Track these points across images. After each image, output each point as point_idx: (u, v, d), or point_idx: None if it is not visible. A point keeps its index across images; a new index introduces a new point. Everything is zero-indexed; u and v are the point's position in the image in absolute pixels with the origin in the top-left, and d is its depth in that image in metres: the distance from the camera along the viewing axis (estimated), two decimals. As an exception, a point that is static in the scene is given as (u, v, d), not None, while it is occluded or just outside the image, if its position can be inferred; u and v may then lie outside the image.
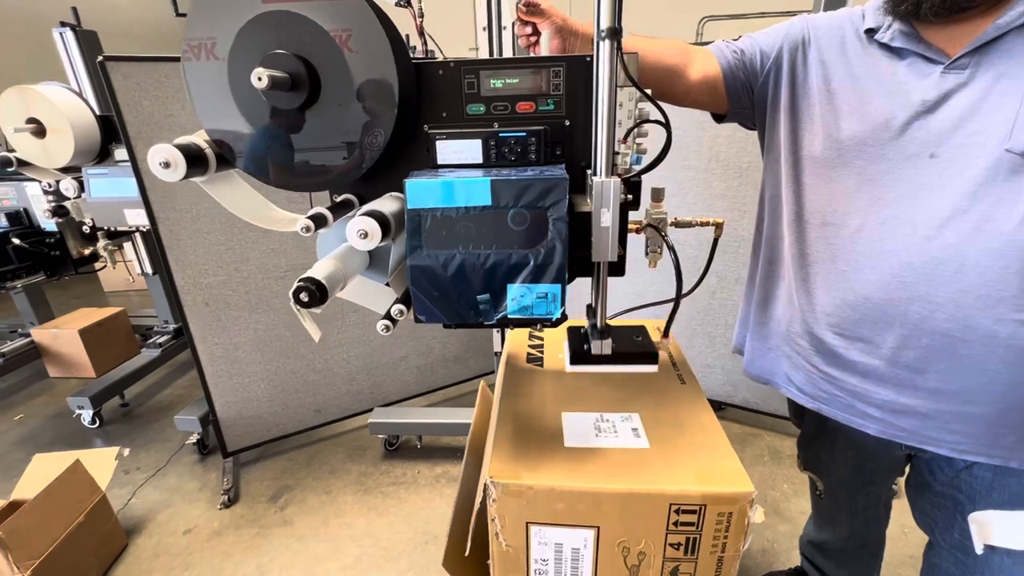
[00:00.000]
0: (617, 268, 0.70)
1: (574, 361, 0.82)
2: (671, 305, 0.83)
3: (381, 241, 0.59)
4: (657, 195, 0.76)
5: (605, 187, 0.57)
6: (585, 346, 0.80)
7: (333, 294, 0.59)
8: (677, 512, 0.65)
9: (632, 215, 0.80)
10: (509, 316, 0.60)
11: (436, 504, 1.55)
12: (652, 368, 0.79)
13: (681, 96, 0.85)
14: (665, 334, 0.80)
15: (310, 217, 0.59)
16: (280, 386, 1.72)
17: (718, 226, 0.80)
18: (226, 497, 1.57)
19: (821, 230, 0.77)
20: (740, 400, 1.82)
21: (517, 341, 1.05)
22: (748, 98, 0.84)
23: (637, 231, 0.75)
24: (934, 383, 0.68)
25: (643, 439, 0.73)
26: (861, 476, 0.93)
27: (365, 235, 0.57)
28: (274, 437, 1.77)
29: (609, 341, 0.69)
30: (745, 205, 1.60)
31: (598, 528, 0.67)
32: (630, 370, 0.88)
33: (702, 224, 0.79)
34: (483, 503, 0.68)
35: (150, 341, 2.30)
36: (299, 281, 0.56)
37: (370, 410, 1.80)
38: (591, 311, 0.73)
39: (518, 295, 0.59)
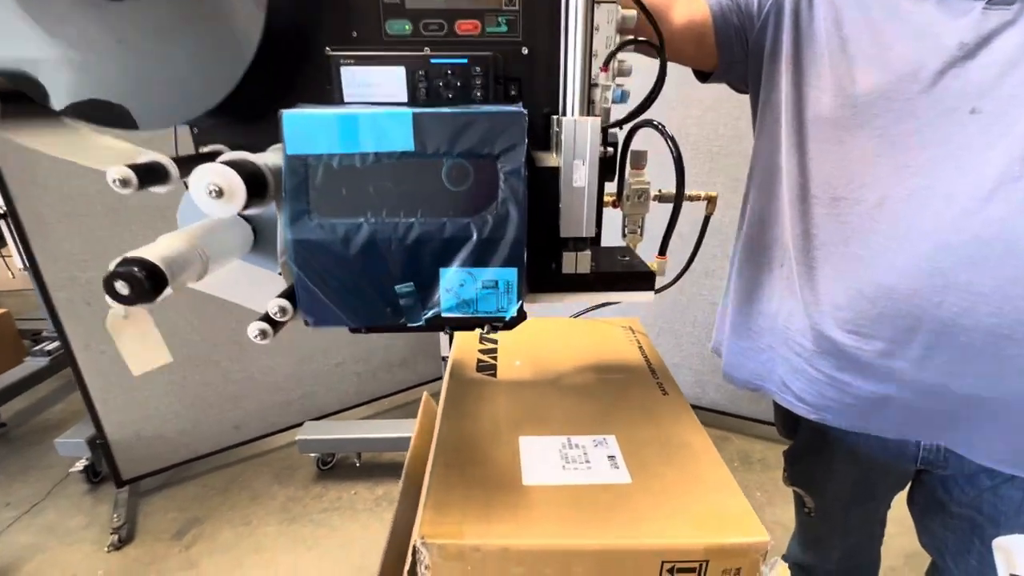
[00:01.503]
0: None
1: (536, 287, 0.49)
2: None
3: (251, 205, 0.39)
4: (638, 160, 0.60)
5: (579, 130, 0.40)
6: (554, 264, 0.49)
7: (177, 284, 0.39)
8: (671, 571, 0.49)
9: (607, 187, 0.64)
10: (443, 315, 0.42)
11: (375, 532, 1.34)
12: (647, 295, 0.52)
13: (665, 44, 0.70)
14: (662, 251, 0.59)
15: (133, 167, 0.39)
16: (189, 400, 1.46)
17: (711, 201, 0.66)
18: (116, 537, 1.31)
19: (831, 207, 0.63)
20: (708, 402, 1.72)
21: (465, 345, 0.87)
22: (742, 48, 0.70)
23: (613, 205, 0.59)
24: (970, 388, 0.56)
25: (622, 470, 0.57)
26: (862, 492, 0.81)
27: (219, 193, 0.37)
28: (183, 460, 1.50)
29: (588, 254, 0.46)
30: (717, 190, 1.48)
31: (568, 597, 0.50)
32: (608, 364, 0.72)
33: (692, 198, 0.64)
34: (412, 570, 0.50)
35: (36, 349, 1.96)
36: (116, 264, 0.36)
37: (300, 424, 1.57)
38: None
39: (455, 284, 0.41)
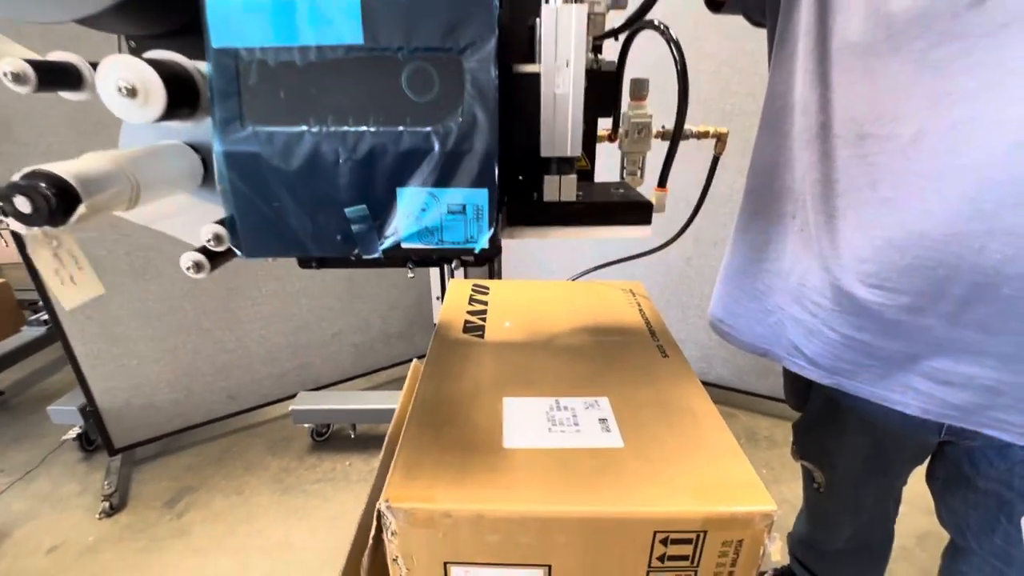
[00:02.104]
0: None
1: (515, 219, 0.42)
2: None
3: (177, 115, 0.34)
4: (638, 90, 0.53)
5: (563, 20, 0.34)
6: (536, 194, 0.41)
7: (94, 206, 0.34)
8: (664, 543, 0.44)
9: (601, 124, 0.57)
10: (403, 244, 0.36)
11: (369, 504, 1.31)
12: (644, 230, 0.44)
13: None
14: (661, 182, 0.52)
15: (33, 63, 0.33)
16: (181, 369, 1.43)
17: (720, 139, 0.59)
18: (107, 504, 1.29)
19: (857, 146, 0.56)
20: (714, 377, 1.66)
21: (453, 305, 0.82)
22: (758, -29, 0.62)
23: (610, 139, 0.53)
24: (1010, 347, 0.50)
25: (615, 434, 0.52)
26: (876, 466, 0.76)
27: (131, 92, 0.32)
28: (176, 429, 1.48)
29: (573, 179, 0.38)
30: (728, 156, 1.40)
31: (549, 568, 0.45)
32: (605, 326, 0.66)
33: (699, 135, 0.57)
34: (378, 536, 0.45)
35: (33, 318, 1.94)
36: (20, 176, 0.31)
37: (295, 396, 1.54)
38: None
39: (416, 208, 0.35)
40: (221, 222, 0.37)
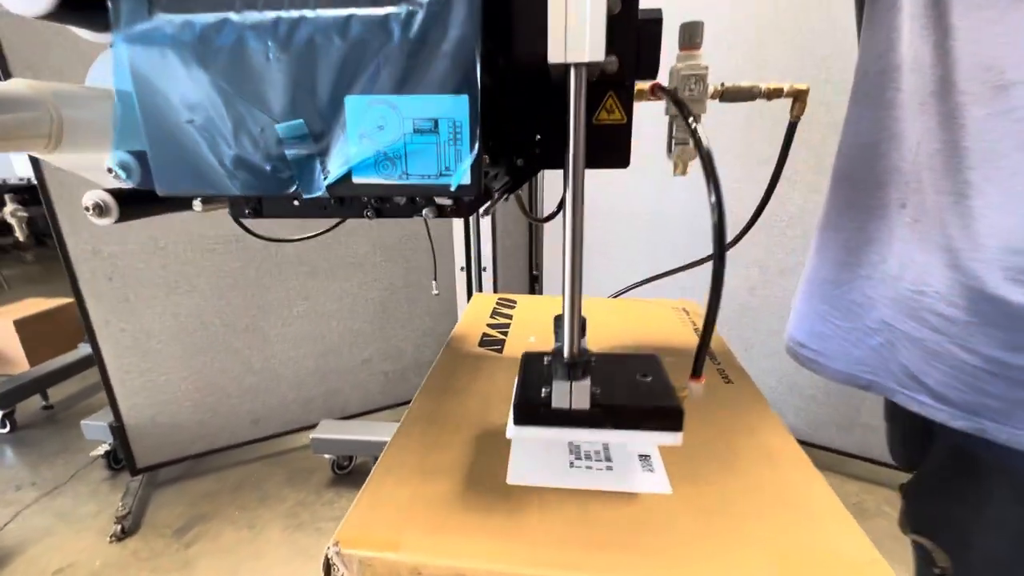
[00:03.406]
0: (618, 155, 0.37)
1: (520, 420, 0.35)
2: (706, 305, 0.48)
3: (74, 19, 0.26)
4: (691, 35, 0.42)
5: None
6: (544, 391, 0.35)
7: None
8: (734, 645, 0.29)
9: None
10: (355, 178, 0.27)
11: (385, 549, 1.18)
12: (673, 438, 0.34)
13: None
14: (696, 372, 0.35)
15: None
16: (208, 388, 1.40)
17: (798, 97, 0.46)
18: (119, 527, 1.23)
19: (996, 100, 0.42)
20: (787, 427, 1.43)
21: (473, 318, 0.71)
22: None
23: (652, 92, 0.42)
24: None
25: (660, 476, 0.38)
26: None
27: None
28: (199, 452, 1.43)
29: (587, 385, 0.32)
30: (797, 173, 1.25)
31: (558, 668, 0.32)
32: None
33: (769, 94, 0.45)
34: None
35: (90, 335, 2.01)
36: None
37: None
38: (559, 322, 0.36)
39: (371, 124, 0.26)
40: (136, 152, 0.28)
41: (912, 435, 0.61)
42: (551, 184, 1.56)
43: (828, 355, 0.59)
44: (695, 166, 0.51)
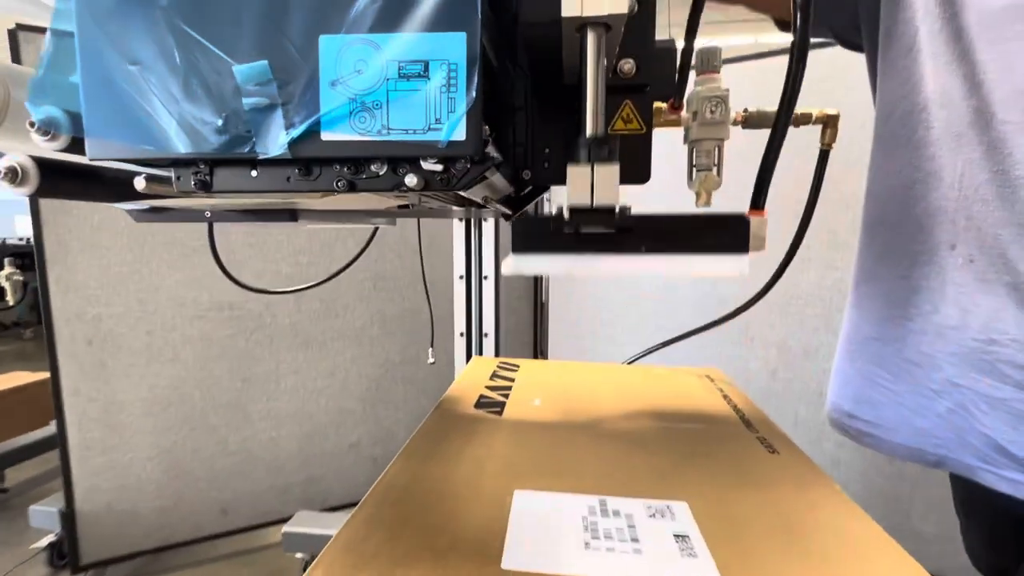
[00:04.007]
0: (637, 168, 0.32)
1: (521, 246, 0.25)
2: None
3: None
4: (709, 59, 0.40)
5: None
6: (557, 213, 0.25)
7: None
8: None
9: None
10: (323, 134, 0.22)
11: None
12: (738, 263, 0.26)
13: None
14: (756, 203, 0.33)
15: None
16: (176, 470, 1.26)
17: (828, 123, 0.43)
18: (43, 639, 1.04)
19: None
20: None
21: (470, 380, 0.63)
22: (846, -31, 0.52)
23: (671, 108, 0.38)
24: None
25: (704, 562, 0.28)
26: None
27: None
28: (156, 547, 1.26)
29: (615, 170, 0.23)
30: (810, 249, 1.22)
31: None
32: (676, 412, 0.45)
33: (797, 120, 0.42)
34: None
35: (64, 411, 1.89)
36: None
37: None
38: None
39: (348, 68, 0.21)
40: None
41: (1001, 529, 0.50)
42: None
43: (885, 426, 0.50)
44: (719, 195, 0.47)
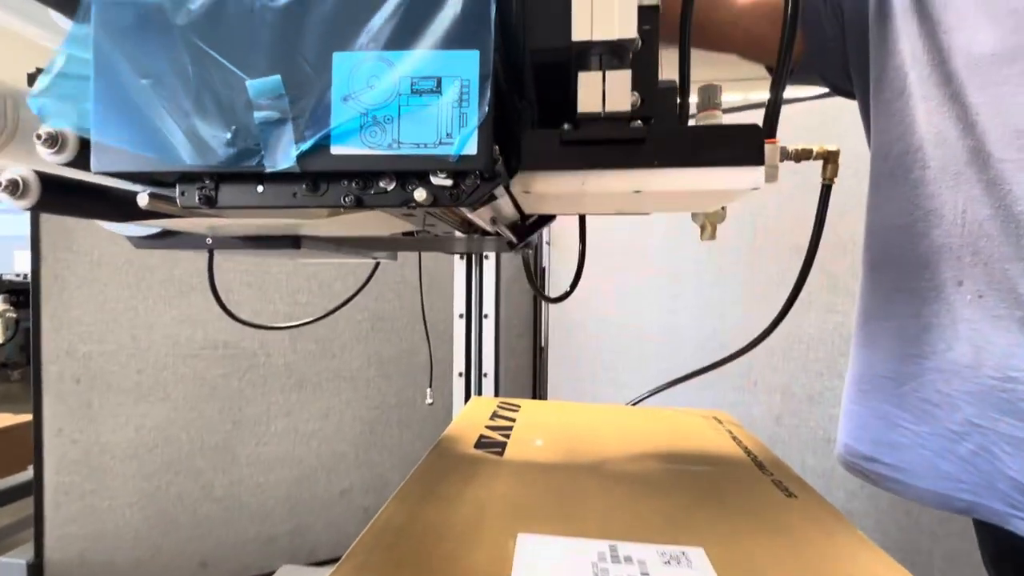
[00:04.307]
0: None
1: (529, 164, 0.25)
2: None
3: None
4: (710, 97, 0.41)
5: None
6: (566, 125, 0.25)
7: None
8: None
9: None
10: (333, 150, 0.21)
11: None
12: (753, 175, 0.25)
13: (727, 28, 0.57)
14: (768, 131, 0.29)
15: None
16: (157, 518, 1.20)
17: (829, 159, 0.43)
18: None
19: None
20: None
21: (469, 420, 0.61)
22: (835, 21, 0.55)
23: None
24: None
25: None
26: None
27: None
28: (127, 604, 1.17)
29: (627, 75, 0.23)
30: (811, 294, 1.22)
31: None
32: (685, 453, 0.43)
33: (797, 155, 0.42)
34: None
35: (45, 455, 1.82)
36: None
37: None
38: None
39: (361, 83, 0.21)
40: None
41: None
42: (559, 264, 1.54)
43: (910, 470, 0.48)
44: (723, 228, 0.47)
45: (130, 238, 0.39)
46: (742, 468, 0.47)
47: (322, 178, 0.22)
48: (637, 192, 0.26)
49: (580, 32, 0.24)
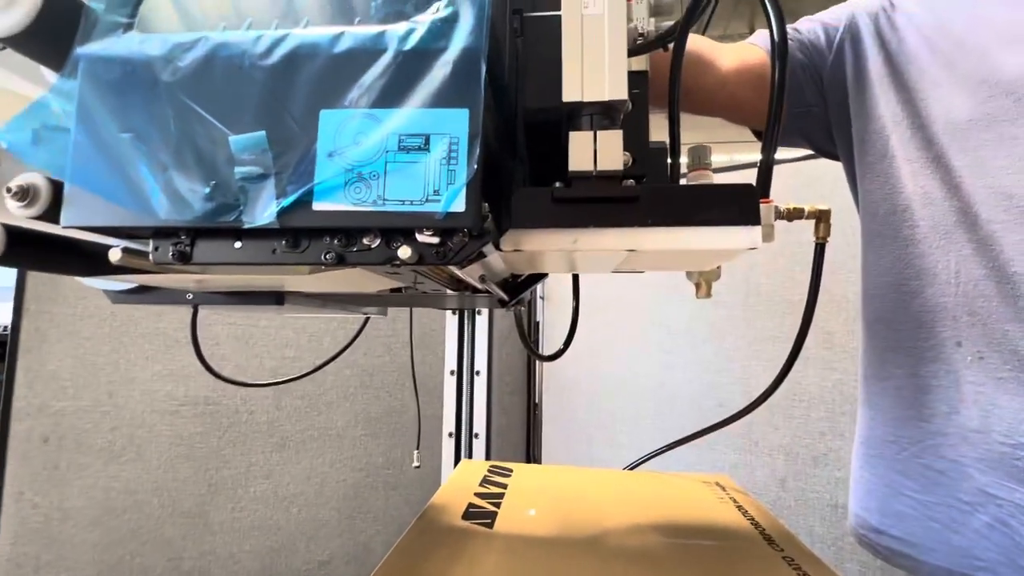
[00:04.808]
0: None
1: (519, 221, 0.24)
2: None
3: (53, 38, 0.25)
4: (700, 157, 0.42)
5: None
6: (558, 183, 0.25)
7: None
8: None
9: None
10: (315, 206, 0.21)
11: None
12: (750, 235, 0.24)
13: (713, 92, 0.59)
14: (762, 190, 0.29)
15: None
16: (116, 594, 1.10)
17: (821, 218, 0.43)
18: None
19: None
20: None
21: (458, 487, 0.57)
22: (816, 88, 0.57)
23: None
24: None
25: None
26: None
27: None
28: None
29: (618, 135, 0.23)
30: (807, 350, 1.20)
31: None
32: (687, 525, 0.40)
33: (789, 215, 0.42)
34: None
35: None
36: None
37: (248, 653, 1.11)
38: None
39: (347, 142, 0.21)
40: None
41: None
42: (554, 317, 1.52)
43: (920, 544, 0.45)
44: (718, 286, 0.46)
45: (107, 292, 0.38)
46: (750, 542, 0.44)
47: (303, 234, 0.22)
48: (631, 251, 0.25)
49: (570, 93, 0.24)
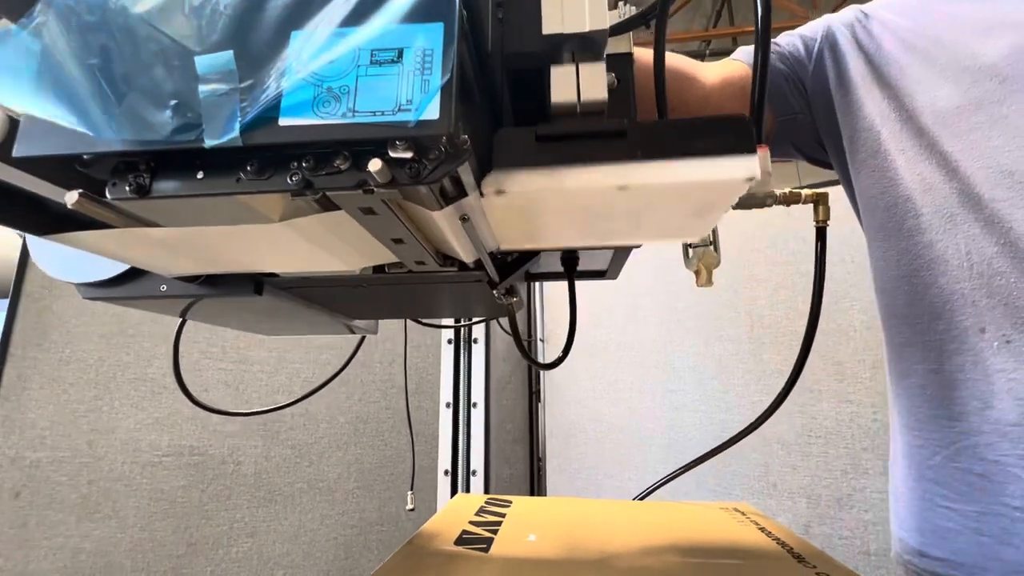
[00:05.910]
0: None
1: (502, 162, 0.23)
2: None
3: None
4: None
5: None
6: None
7: None
8: None
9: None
10: (282, 120, 0.20)
11: None
12: (747, 164, 0.22)
13: (697, 107, 0.60)
14: (758, 137, 0.25)
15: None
16: (76, 674, 0.99)
17: (819, 201, 0.42)
18: None
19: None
20: None
21: (451, 517, 0.52)
22: (800, 95, 0.58)
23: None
24: None
25: None
26: None
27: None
28: None
29: (602, 67, 0.22)
30: (819, 382, 1.16)
31: None
32: (706, 546, 0.36)
33: (787, 199, 0.41)
34: None
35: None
36: None
37: None
38: None
39: (316, 59, 0.20)
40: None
41: None
42: (552, 333, 1.46)
43: (966, 564, 0.40)
44: (719, 272, 0.44)
45: (79, 286, 0.36)
46: (778, 560, 0.39)
47: (268, 155, 0.20)
48: (623, 188, 0.23)
49: (550, 26, 0.23)
